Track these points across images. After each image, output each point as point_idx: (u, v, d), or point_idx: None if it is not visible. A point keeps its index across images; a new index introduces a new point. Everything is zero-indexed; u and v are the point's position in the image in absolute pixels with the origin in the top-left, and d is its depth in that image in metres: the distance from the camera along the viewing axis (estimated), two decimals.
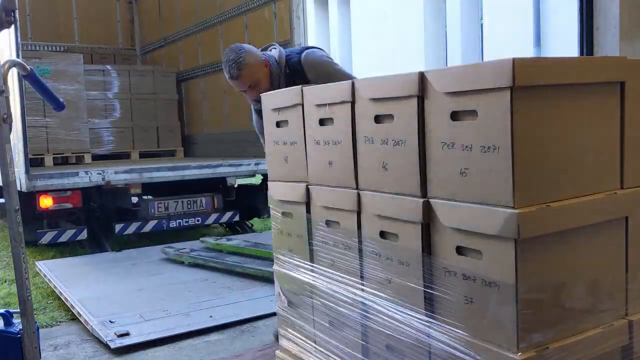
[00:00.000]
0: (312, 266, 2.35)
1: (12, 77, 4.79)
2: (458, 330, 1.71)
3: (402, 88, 1.83)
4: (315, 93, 2.22)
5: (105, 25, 9.72)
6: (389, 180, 1.92)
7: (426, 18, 12.57)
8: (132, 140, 8.20)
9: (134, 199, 5.90)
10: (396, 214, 1.89)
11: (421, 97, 1.77)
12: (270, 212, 2.58)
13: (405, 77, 1.80)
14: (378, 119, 1.94)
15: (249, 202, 6.51)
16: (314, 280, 2.33)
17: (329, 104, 2.15)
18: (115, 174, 5.38)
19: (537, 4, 10.08)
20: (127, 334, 3.36)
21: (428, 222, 1.78)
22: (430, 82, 1.73)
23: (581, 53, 4.59)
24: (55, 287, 4.37)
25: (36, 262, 5.10)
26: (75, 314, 3.81)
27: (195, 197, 5.95)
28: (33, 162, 5.66)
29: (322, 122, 2.19)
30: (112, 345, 3.23)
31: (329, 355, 2.29)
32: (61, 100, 2.63)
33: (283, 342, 2.60)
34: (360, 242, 2.09)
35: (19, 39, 4.76)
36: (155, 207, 5.80)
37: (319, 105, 2.19)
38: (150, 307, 3.85)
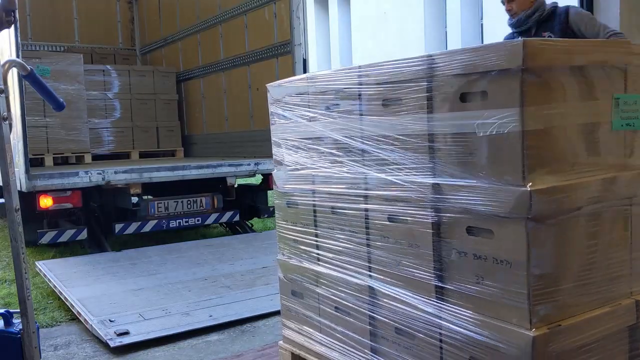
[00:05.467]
0: (318, 254, 2.39)
1: (12, 77, 4.79)
2: (468, 311, 1.77)
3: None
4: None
5: (105, 25, 9.72)
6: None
7: (426, 18, 12.58)
8: (132, 141, 8.20)
9: (134, 199, 5.90)
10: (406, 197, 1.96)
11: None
12: (275, 203, 2.62)
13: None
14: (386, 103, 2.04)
15: (249, 202, 6.51)
16: (320, 268, 2.38)
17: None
18: (115, 174, 5.37)
19: None
20: (126, 333, 3.36)
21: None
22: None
23: None
24: (55, 286, 4.37)
25: (36, 262, 5.10)
26: (75, 313, 3.81)
27: (195, 197, 5.95)
28: (33, 162, 5.66)
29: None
30: (112, 344, 3.23)
31: (335, 343, 2.32)
32: (61, 100, 2.63)
33: (286, 332, 2.61)
34: (367, 227, 2.12)
35: (19, 39, 4.76)
36: (155, 207, 5.80)
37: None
38: (150, 306, 3.85)
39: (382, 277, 2.07)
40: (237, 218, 6.26)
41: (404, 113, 1.94)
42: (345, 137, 2.19)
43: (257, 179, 6.55)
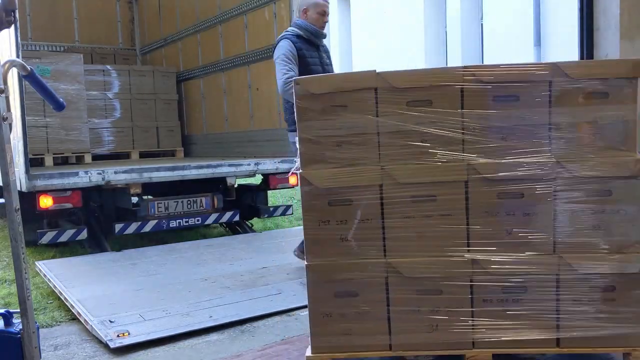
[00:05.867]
0: (385, 245, 2.62)
1: (12, 77, 4.79)
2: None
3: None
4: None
5: (105, 25, 9.72)
6: None
7: (426, 18, 12.57)
8: (132, 140, 8.20)
9: (134, 199, 5.89)
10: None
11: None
12: (305, 204, 2.65)
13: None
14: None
15: (249, 202, 6.51)
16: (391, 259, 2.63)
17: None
18: (115, 174, 5.37)
19: (537, 4, 10.07)
20: (126, 334, 3.36)
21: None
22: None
23: (581, 53, 4.59)
24: (55, 287, 4.37)
25: (36, 262, 5.09)
26: (75, 313, 3.81)
27: (195, 197, 5.95)
28: (33, 162, 5.65)
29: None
30: (112, 345, 3.23)
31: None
32: (61, 100, 2.63)
33: (326, 339, 2.66)
34: (467, 207, 2.58)
35: (19, 39, 4.75)
36: (155, 207, 5.80)
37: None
38: (150, 306, 3.84)
39: (484, 248, 2.57)
40: (237, 218, 6.26)
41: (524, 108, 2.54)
42: (441, 129, 2.55)
43: (257, 179, 6.55)
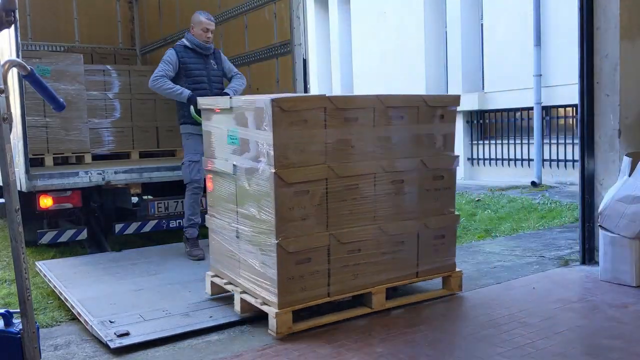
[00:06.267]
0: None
1: (12, 77, 4.79)
2: None
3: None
4: None
5: (105, 25, 9.71)
6: None
7: (426, 18, 12.57)
8: (132, 141, 8.17)
9: (134, 199, 5.89)
10: None
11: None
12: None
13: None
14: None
15: None
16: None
17: None
18: (115, 174, 5.37)
19: (537, 4, 10.07)
20: (126, 334, 3.36)
21: None
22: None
23: (581, 53, 4.58)
24: (55, 287, 4.37)
25: (36, 262, 5.09)
26: (75, 314, 3.81)
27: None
28: (33, 162, 5.65)
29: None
30: (112, 345, 3.23)
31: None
32: (61, 100, 2.63)
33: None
34: (375, 192, 3.76)
35: (19, 39, 4.76)
36: (155, 207, 5.80)
37: None
38: (150, 307, 3.85)
39: (386, 220, 3.77)
40: None
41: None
42: (363, 139, 3.70)
43: None
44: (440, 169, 3.94)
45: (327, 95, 3.50)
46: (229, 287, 3.84)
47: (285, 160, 3.31)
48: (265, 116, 3.29)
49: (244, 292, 3.65)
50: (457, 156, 4.04)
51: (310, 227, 3.41)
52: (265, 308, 3.42)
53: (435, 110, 3.89)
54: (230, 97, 3.86)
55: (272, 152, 3.28)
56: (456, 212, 4.09)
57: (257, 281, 3.51)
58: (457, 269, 4.10)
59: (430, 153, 3.89)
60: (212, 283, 4.03)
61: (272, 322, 3.35)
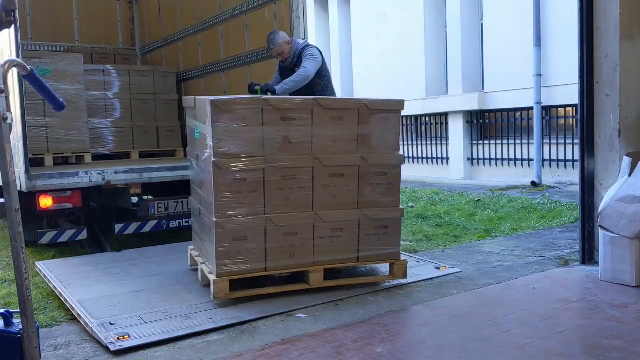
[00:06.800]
0: None
1: (13, 77, 4.79)
2: None
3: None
4: None
5: (105, 25, 9.71)
6: None
7: (426, 18, 12.57)
8: (132, 141, 8.17)
9: (134, 199, 5.89)
10: None
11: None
12: None
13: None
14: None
15: None
16: None
17: None
18: (115, 174, 5.37)
19: (537, 4, 10.07)
20: (127, 336, 3.36)
21: None
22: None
23: (581, 53, 4.58)
24: (55, 287, 4.36)
25: (36, 263, 5.09)
26: (75, 315, 3.81)
27: None
28: (33, 162, 5.65)
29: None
30: (112, 348, 3.23)
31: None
32: (61, 100, 2.63)
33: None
34: (313, 183, 4.12)
35: (19, 39, 4.75)
36: (155, 207, 5.79)
37: None
38: (150, 308, 3.84)
39: (321, 207, 4.18)
40: None
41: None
42: (300, 135, 4.12)
43: None
44: (384, 165, 4.26)
45: (263, 97, 4.19)
46: (198, 260, 4.41)
47: (223, 151, 3.86)
48: (208, 114, 3.88)
49: (203, 263, 4.24)
50: (402, 155, 4.40)
51: (246, 210, 3.92)
52: (210, 277, 3.97)
53: (377, 113, 4.21)
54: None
55: (211, 144, 3.86)
56: (401, 206, 4.41)
57: (208, 254, 4.13)
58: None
59: (371, 151, 4.21)
60: (191, 256, 4.70)
61: (212, 288, 3.90)
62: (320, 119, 4.06)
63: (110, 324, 3.56)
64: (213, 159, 3.84)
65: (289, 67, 5.49)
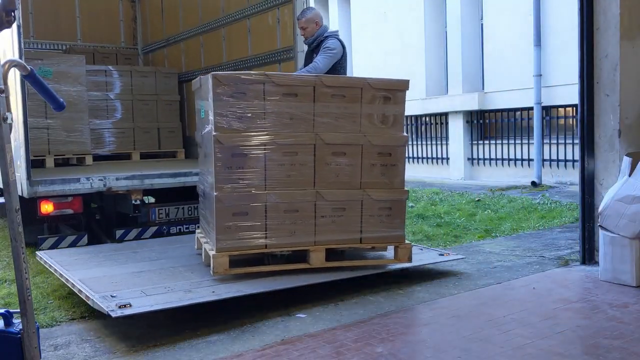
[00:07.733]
0: None
1: (15, 79, 4.78)
2: None
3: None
4: None
5: (107, 24, 9.72)
6: None
7: (426, 18, 12.57)
8: (133, 142, 8.19)
9: (135, 202, 5.88)
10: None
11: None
12: None
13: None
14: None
15: None
16: None
17: None
18: (116, 180, 5.35)
19: (537, 4, 10.07)
20: (128, 305, 3.36)
21: None
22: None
23: (581, 53, 4.58)
24: (55, 270, 4.31)
25: (37, 252, 5.04)
26: (76, 291, 3.79)
27: (196, 203, 5.91)
28: (34, 164, 5.64)
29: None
30: (114, 315, 3.23)
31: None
32: (61, 100, 2.63)
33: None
34: (315, 160, 4.11)
35: (22, 39, 4.74)
36: (156, 213, 5.77)
37: None
38: (152, 284, 3.83)
39: (323, 186, 4.19)
40: None
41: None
42: (302, 112, 4.12)
43: None
44: (387, 145, 4.21)
45: (266, 73, 4.05)
46: (202, 240, 4.39)
47: (223, 126, 3.87)
48: (210, 88, 3.89)
49: (207, 242, 4.25)
50: (406, 136, 4.35)
51: (247, 186, 3.92)
52: (211, 253, 3.96)
53: (381, 92, 4.16)
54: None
55: (212, 118, 3.87)
56: (405, 188, 4.35)
57: (209, 231, 4.13)
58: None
59: (375, 131, 4.17)
60: (197, 239, 4.67)
61: (211, 263, 3.89)
62: (323, 97, 4.03)
63: (112, 296, 3.55)
64: (214, 134, 3.85)
65: (309, 48, 5.26)
